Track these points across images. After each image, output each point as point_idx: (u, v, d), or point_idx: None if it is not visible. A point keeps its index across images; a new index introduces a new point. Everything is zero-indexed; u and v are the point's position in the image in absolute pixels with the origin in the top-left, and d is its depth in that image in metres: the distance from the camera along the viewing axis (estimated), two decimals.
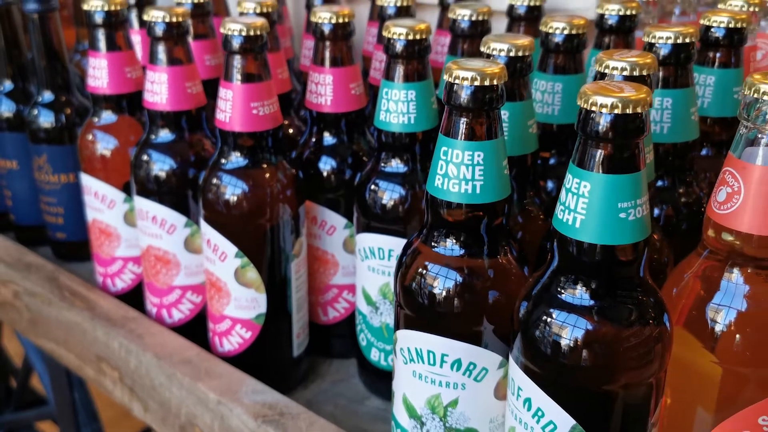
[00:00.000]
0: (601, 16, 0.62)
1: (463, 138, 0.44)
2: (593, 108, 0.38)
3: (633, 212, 0.39)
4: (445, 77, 0.44)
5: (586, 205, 0.39)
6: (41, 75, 0.84)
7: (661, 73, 0.53)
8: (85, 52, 1.04)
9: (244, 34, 0.57)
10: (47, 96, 0.83)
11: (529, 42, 0.51)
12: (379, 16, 0.73)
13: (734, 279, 0.42)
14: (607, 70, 0.45)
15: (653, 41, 0.52)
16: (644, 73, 0.45)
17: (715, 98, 0.59)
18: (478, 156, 0.44)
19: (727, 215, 0.41)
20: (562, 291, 0.41)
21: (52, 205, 0.86)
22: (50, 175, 0.84)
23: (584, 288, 0.41)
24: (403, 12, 0.70)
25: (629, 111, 0.37)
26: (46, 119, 0.83)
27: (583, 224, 0.39)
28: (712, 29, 0.58)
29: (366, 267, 0.61)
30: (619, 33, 0.62)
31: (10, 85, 0.88)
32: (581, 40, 0.58)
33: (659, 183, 0.54)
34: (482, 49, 0.51)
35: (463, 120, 0.44)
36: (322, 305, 0.70)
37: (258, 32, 0.58)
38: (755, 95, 0.40)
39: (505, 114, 0.52)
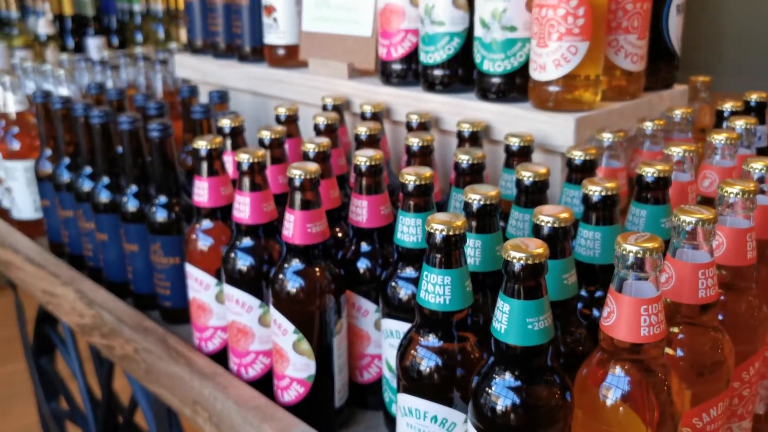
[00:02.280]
0: (569, 159, 0.84)
1: (437, 266, 0.67)
2: (508, 258, 0.59)
3: (538, 324, 0.60)
4: (426, 226, 0.67)
5: (507, 319, 0.61)
6: (158, 182, 1.11)
7: (593, 214, 0.74)
8: (189, 152, 1.32)
9: (302, 177, 0.81)
10: (162, 199, 1.10)
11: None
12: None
13: (616, 369, 0.62)
14: (539, 222, 0.67)
15: (588, 192, 0.73)
16: (560, 225, 0.66)
17: (646, 227, 0.79)
18: (447, 278, 0.66)
19: (608, 326, 0.62)
20: (497, 374, 0.63)
21: (162, 280, 1.12)
22: (162, 257, 1.11)
23: (510, 372, 0.62)
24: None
25: (530, 262, 0.59)
26: (160, 216, 1.10)
27: (506, 331, 0.61)
28: (643, 175, 0.78)
29: (388, 344, 0.83)
30: (584, 171, 0.83)
31: (135, 188, 1.15)
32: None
33: (583, 293, 0.75)
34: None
35: (437, 255, 0.66)
36: (359, 369, 0.92)
37: (312, 176, 0.82)
38: (621, 252, 0.60)
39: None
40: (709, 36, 6.17)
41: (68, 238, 1.33)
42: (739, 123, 0.96)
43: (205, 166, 0.95)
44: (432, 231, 0.66)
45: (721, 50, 6.18)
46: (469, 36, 1.04)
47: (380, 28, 1.13)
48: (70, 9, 3.23)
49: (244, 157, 0.88)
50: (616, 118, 0.99)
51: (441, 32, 1.04)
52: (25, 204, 1.48)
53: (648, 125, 0.96)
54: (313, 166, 0.83)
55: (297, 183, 0.82)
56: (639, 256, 0.59)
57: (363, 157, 0.85)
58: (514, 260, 0.59)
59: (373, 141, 0.98)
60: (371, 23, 1.17)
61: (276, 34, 1.31)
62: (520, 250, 0.60)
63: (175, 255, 1.10)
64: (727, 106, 1.07)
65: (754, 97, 1.11)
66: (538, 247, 0.60)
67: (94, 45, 3.30)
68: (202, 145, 0.94)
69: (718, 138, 0.88)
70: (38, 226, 1.49)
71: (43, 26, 3.17)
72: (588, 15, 0.90)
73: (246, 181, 0.89)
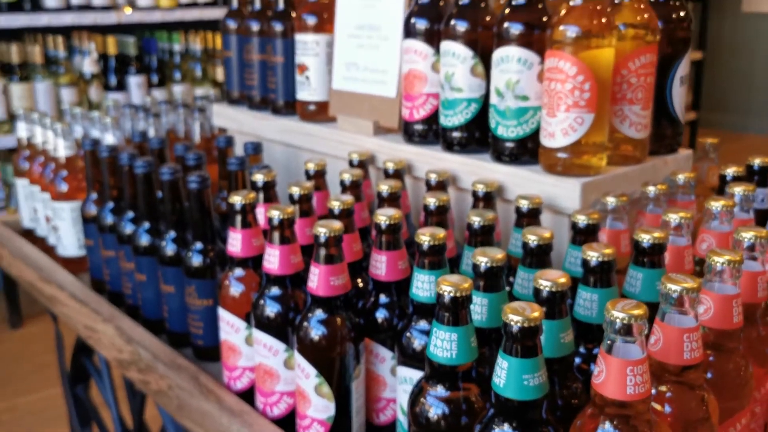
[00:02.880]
0: (573, 222, 0.91)
1: (444, 323, 0.74)
2: (507, 320, 0.67)
3: (533, 380, 0.67)
4: (436, 287, 0.74)
5: (505, 374, 0.67)
6: (195, 228, 1.20)
7: (591, 277, 0.81)
8: (224, 199, 1.42)
9: (326, 235, 0.89)
10: (198, 245, 1.19)
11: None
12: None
13: (605, 423, 0.69)
14: (539, 286, 0.74)
15: (586, 257, 0.80)
16: (557, 290, 0.73)
17: (642, 289, 0.85)
18: (454, 335, 0.74)
19: (598, 384, 0.68)
20: (496, 424, 0.69)
21: (195, 320, 1.21)
22: (196, 299, 1.20)
23: (508, 423, 0.69)
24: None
25: (526, 325, 0.66)
26: (196, 261, 1.19)
27: (504, 385, 0.68)
28: (640, 241, 0.85)
29: (402, 389, 0.90)
30: (587, 234, 0.90)
31: (174, 233, 1.24)
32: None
33: (582, 350, 0.81)
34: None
35: (445, 314, 0.74)
36: (376, 411, 0.99)
37: (336, 233, 0.90)
38: (610, 318, 0.67)
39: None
40: (741, 80, 6.17)
41: (109, 276, 1.42)
42: (738, 189, 1.03)
43: (239, 219, 1.04)
44: (441, 292, 0.74)
45: (752, 94, 6.17)
46: (485, 101, 1.12)
47: (404, 91, 1.22)
48: (114, 49, 3.39)
49: (275, 214, 0.96)
50: (620, 182, 1.05)
51: (459, 98, 1.12)
52: (70, 242, 1.58)
53: (651, 189, 1.03)
54: (336, 224, 0.91)
55: (322, 239, 0.90)
56: (625, 322, 0.66)
57: (383, 216, 0.92)
58: (512, 323, 0.67)
59: (393, 198, 1.06)
60: (396, 85, 1.26)
61: (308, 91, 1.40)
62: (518, 313, 0.67)
63: (209, 297, 1.19)
64: (730, 171, 1.14)
65: (757, 162, 1.17)
66: (534, 311, 0.67)
67: (135, 83, 3.45)
68: (237, 200, 1.03)
69: (715, 205, 0.95)
70: (81, 263, 1.59)
71: (88, 65, 3.34)
72: (593, 89, 0.97)
73: (276, 235, 0.97)
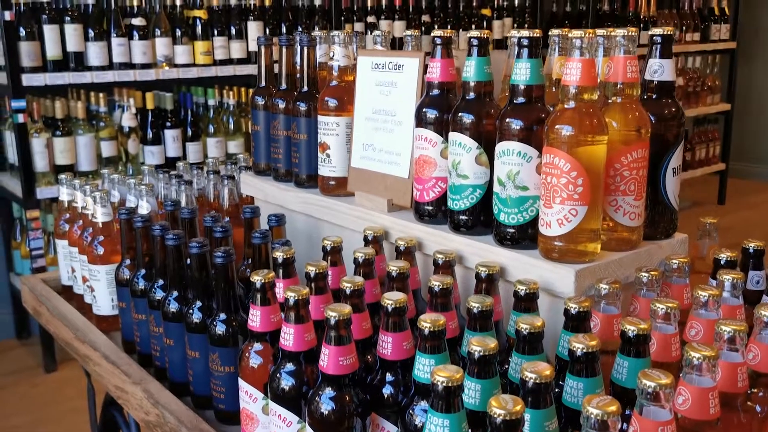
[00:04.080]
0: (566, 309, 0.98)
1: (437, 410, 0.81)
2: (491, 412, 0.74)
3: None
4: (431, 377, 0.81)
5: None
6: (219, 300, 1.29)
7: (577, 367, 0.87)
8: (248, 265, 1.51)
9: (336, 318, 0.97)
10: (222, 315, 1.28)
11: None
12: None
13: None
14: (525, 378, 0.81)
15: (572, 348, 0.87)
16: (541, 381, 0.80)
17: (628, 376, 0.91)
18: (446, 421, 0.81)
19: None
20: None
21: (217, 386, 1.29)
22: (219, 366, 1.28)
23: None
24: None
25: (508, 418, 0.73)
26: (220, 330, 1.27)
27: None
28: (626, 331, 0.91)
29: None
30: (578, 320, 0.97)
31: (200, 302, 1.33)
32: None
33: None
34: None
35: (438, 401, 0.81)
36: None
37: (345, 317, 0.98)
38: (586, 413, 0.73)
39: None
40: (758, 130, 6.16)
41: (139, 338, 1.51)
42: (727, 277, 1.09)
43: (258, 296, 1.12)
44: (435, 381, 0.81)
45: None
46: (489, 187, 1.20)
47: (415, 174, 1.31)
48: (151, 104, 3.55)
49: (291, 295, 1.05)
50: (615, 268, 1.12)
51: (465, 184, 1.21)
52: (104, 302, 1.68)
53: (644, 275, 1.10)
54: (346, 309, 0.99)
55: (332, 322, 0.98)
56: (599, 418, 0.73)
57: (389, 300, 1.00)
58: (496, 415, 0.74)
59: (402, 279, 1.14)
60: (408, 167, 1.35)
61: (328, 168, 1.50)
62: (501, 406, 0.74)
63: (231, 364, 1.27)
64: (723, 256, 1.20)
65: (752, 246, 1.23)
66: (517, 405, 0.74)
67: (170, 136, 3.61)
68: (257, 279, 1.12)
69: (703, 294, 1.01)
70: (114, 322, 1.69)
71: (127, 119, 3.50)
72: (586, 184, 1.05)
73: (291, 314, 1.05)
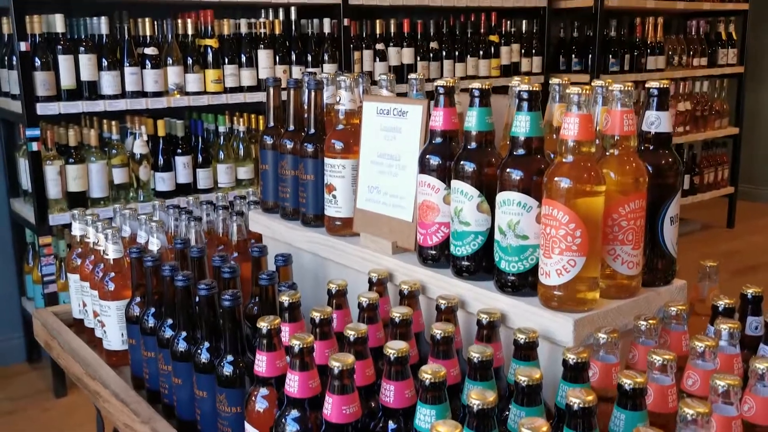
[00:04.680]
0: (564, 359, 1.00)
1: None
2: None
3: None
4: (431, 429, 0.84)
5: None
6: (227, 342, 1.31)
7: (573, 421, 0.89)
8: (256, 304, 1.53)
9: (340, 368, 1.00)
10: (229, 357, 1.31)
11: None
12: None
13: None
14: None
15: (569, 403, 0.89)
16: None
17: (624, 428, 0.93)
18: None
19: None
20: None
21: (224, 426, 1.31)
22: (226, 406, 1.30)
23: None
24: None
25: None
26: (227, 371, 1.30)
27: None
28: (622, 385, 0.93)
29: None
30: (577, 371, 0.99)
31: (208, 343, 1.36)
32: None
33: None
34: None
35: None
36: None
37: (348, 367, 1.00)
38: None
39: None
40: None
41: (148, 374, 1.54)
42: (724, 327, 1.10)
43: (265, 342, 1.15)
44: None
45: None
46: (491, 234, 1.23)
47: (419, 219, 1.33)
48: (162, 131, 3.60)
49: (296, 343, 1.07)
50: (614, 316, 1.14)
51: (467, 231, 1.23)
52: (115, 337, 1.71)
53: (642, 324, 1.12)
54: (350, 359, 1.02)
55: (336, 372, 1.01)
56: None
57: (392, 350, 1.03)
58: None
59: (405, 325, 1.17)
60: (412, 210, 1.38)
61: (334, 209, 1.53)
62: None
63: (237, 405, 1.29)
64: (721, 303, 1.21)
65: (750, 291, 1.25)
66: None
67: (181, 163, 3.65)
68: (263, 325, 1.15)
69: (699, 345, 1.03)
70: (123, 356, 1.71)
71: (139, 146, 3.55)
72: (584, 236, 1.07)
73: (296, 362, 1.08)
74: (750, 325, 1.26)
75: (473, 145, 1.22)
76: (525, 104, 1.14)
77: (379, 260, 1.42)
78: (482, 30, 4.53)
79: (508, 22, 4.66)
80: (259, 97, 3.75)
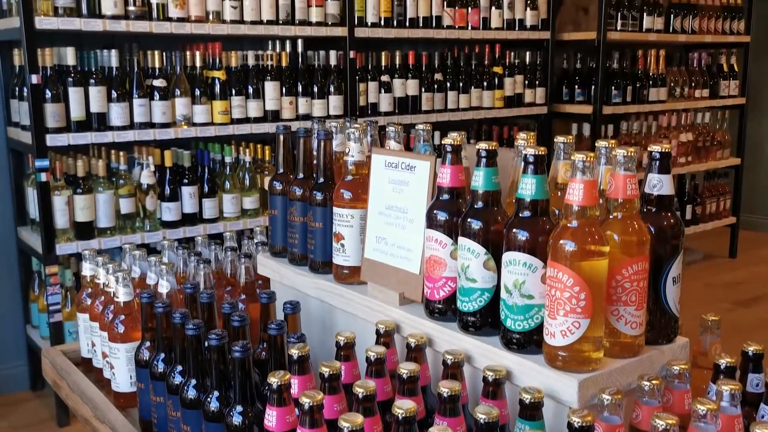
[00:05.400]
0: (569, 421, 1.02)
1: None
2: None
3: None
4: None
5: None
6: (236, 391, 1.34)
7: None
8: (264, 349, 1.56)
9: (349, 429, 1.02)
10: (239, 408, 1.33)
11: None
12: None
13: None
14: None
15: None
16: None
17: None
18: None
19: None
20: None
21: None
22: None
23: None
24: None
25: None
26: (236, 420, 1.32)
27: None
28: None
29: None
30: None
31: (217, 392, 1.38)
32: None
33: None
34: None
35: None
36: None
37: (357, 427, 1.03)
38: None
39: None
40: None
41: (157, 419, 1.56)
42: (726, 388, 1.12)
43: (275, 397, 1.18)
44: None
45: None
46: (497, 290, 1.25)
47: (426, 272, 1.36)
48: (170, 161, 3.64)
49: (306, 400, 1.10)
50: (617, 376, 1.17)
51: (474, 287, 1.26)
52: (123, 379, 1.74)
53: (645, 384, 1.14)
54: (359, 419, 1.04)
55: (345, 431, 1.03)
56: None
57: (400, 410, 1.05)
58: None
59: (412, 381, 1.19)
60: (419, 263, 1.41)
61: (342, 257, 1.56)
62: None
63: None
64: (723, 362, 1.24)
65: (751, 349, 1.28)
66: None
67: (187, 193, 3.69)
68: (273, 381, 1.17)
69: (701, 408, 1.05)
70: (132, 398, 1.73)
71: (146, 177, 3.59)
72: (588, 298, 1.10)
73: (306, 419, 1.10)
74: (751, 382, 1.28)
75: (480, 204, 1.25)
76: (531, 167, 1.17)
77: (387, 311, 1.45)
78: (486, 61, 4.58)
79: (512, 54, 4.71)
80: (265, 128, 3.80)
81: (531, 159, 1.17)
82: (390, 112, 4.20)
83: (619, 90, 4.92)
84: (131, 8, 3.40)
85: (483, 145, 1.24)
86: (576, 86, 5.02)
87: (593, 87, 4.86)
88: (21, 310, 3.73)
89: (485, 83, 4.56)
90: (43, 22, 3.13)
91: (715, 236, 5.83)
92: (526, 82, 4.76)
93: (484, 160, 1.25)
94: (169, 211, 3.64)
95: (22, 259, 3.70)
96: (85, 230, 3.37)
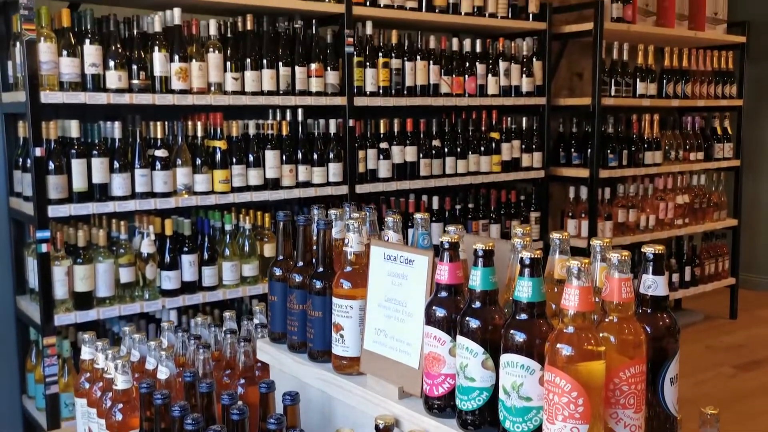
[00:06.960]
0: None
1: None
2: None
3: None
4: None
5: None
6: None
7: None
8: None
9: None
10: None
11: None
12: None
13: None
14: None
15: None
16: None
17: None
18: None
19: None
20: None
21: None
22: None
23: None
24: None
25: None
26: None
27: None
28: None
29: None
30: None
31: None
32: None
33: None
34: None
35: None
36: None
37: None
38: None
39: None
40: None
41: None
42: None
43: None
44: None
45: None
46: (496, 389, 1.26)
47: (425, 369, 1.37)
48: (170, 230, 3.66)
49: None
50: None
51: (472, 386, 1.27)
52: None
53: None
54: None
55: None
56: None
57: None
58: None
59: None
60: (418, 357, 1.41)
61: (341, 347, 1.57)
62: None
63: None
64: None
65: None
66: None
67: (187, 261, 3.70)
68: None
69: None
70: None
71: (146, 246, 3.60)
72: (586, 404, 1.10)
73: None
74: None
75: (478, 303, 1.27)
76: (527, 270, 1.19)
77: (386, 404, 1.45)
78: (483, 127, 4.65)
79: (509, 119, 4.79)
80: (265, 195, 3.83)
81: (527, 262, 1.19)
82: (389, 178, 4.24)
83: (615, 153, 4.98)
84: (135, 81, 3.47)
85: (480, 245, 1.26)
86: (572, 150, 5.08)
87: (589, 151, 4.92)
88: (17, 379, 3.70)
89: (483, 148, 4.62)
90: (48, 97, 3.19)
91: (714, 297, 5.82)
92: (523, 146, 4.82)
93: (481, 260, 1.26)
94: (168, 280, 3.64)
95: (19, 328, 3.69)
96: (84, 300, 3.37)
